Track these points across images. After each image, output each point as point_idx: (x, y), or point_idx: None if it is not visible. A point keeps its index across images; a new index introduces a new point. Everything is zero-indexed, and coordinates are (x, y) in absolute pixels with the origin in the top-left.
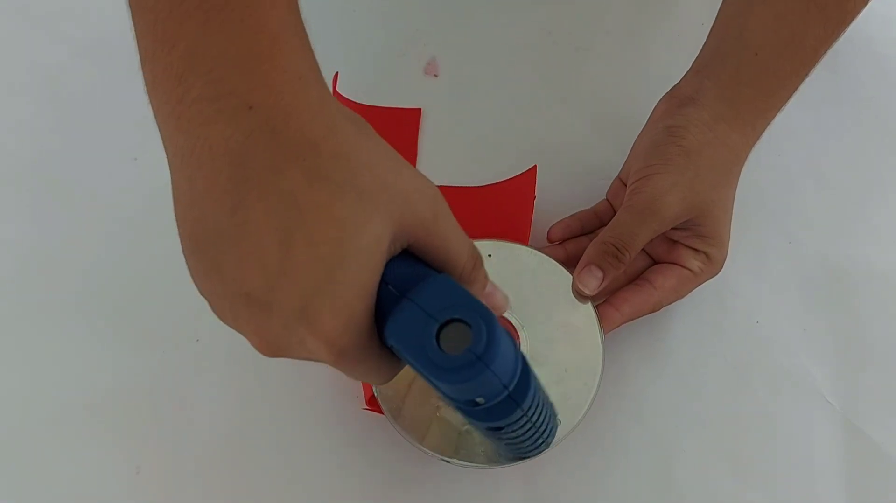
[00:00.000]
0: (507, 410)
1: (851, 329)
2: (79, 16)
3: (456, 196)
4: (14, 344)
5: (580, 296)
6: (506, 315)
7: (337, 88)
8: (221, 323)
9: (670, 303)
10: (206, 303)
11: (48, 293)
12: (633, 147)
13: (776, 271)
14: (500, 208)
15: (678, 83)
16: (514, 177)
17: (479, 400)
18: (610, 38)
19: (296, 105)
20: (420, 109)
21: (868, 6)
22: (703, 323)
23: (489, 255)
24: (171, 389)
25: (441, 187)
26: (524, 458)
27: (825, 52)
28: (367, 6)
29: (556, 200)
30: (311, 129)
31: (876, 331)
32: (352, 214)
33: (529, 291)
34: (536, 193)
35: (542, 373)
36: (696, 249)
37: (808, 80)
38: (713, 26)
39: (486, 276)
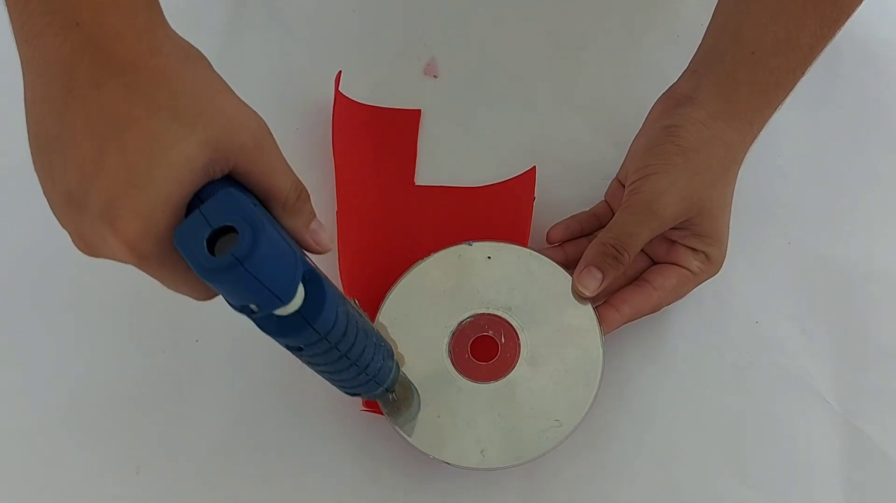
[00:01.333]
0: (298, 328)
1: (851, 329)
2: None
3: (455, 197)
4: (14, 343)
5: (580, 297)
6: (506, 317)
7: (339, 88)
8: (221, 323)
9: (670, 304)
10: (205, 303)
11: (48, 293)
12: (630, 147)
13: (776, 272)
14: (500, 209)
15: (675, 83)
16: (514, 177)
17: (253, 307)
18: (610, 38)
19: (120, 27)
20: (420, 111)
21: (865, 6)
22: (702, 323)
23: (489, 257)
24: (170, 389)
25: (441, 188)
26: (359, 396)
27: (822, 49)
28: (366, 7)
29: (556, 201)
30: (133, 50)
31: (876, 331)
32: (166, 131)
33: (529, 293)
34: (536, 194)
35: (543, 375)
36: (695, 249)
37: (806, 81)
38: (709, 25)
39: (312, 212)
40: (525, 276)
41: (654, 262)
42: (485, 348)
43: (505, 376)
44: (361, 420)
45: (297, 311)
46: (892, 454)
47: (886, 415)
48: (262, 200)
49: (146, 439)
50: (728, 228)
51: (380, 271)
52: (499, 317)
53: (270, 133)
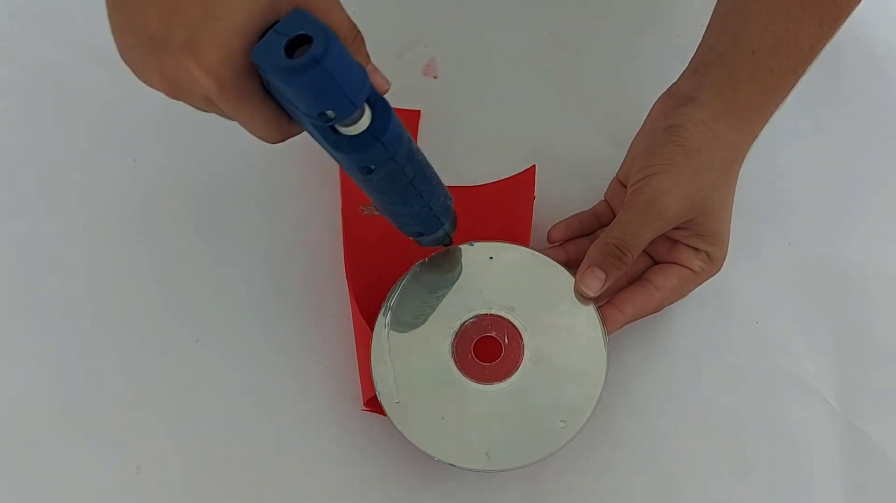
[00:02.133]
0: (368, 144)
1: (851, 329)
2: (79, 16)
3: (456, 196)
4: (13, 343)
5: (583, 297)
6: (509, 317)
7: None
8: (221, 323)
9: (672, 303)
10: (205, 303)
11: (47, 293)
12: (630, 147)
13: (776, 272)
14: (500, 208)
15: (675, 82)
16: (513, 176)
17: (329, 113)
18: (610, 38)
19: None
20: (420, 111)
21: (865, 5)
22: (703, 323)
23: (490, 258)
24: (170, 389)
25: None
26: (424, 237)
27: (822, 48)
28: (366, 7)
29: (556, 201)
30: None
31: (876, 331)
32: None
33: (531, 294)
34: (536, 194)
35: (546, 376)
36: (696, 248)
37: (807, 81)
38: (709, 25)
39: (367, 55)
40: (527, 277)
41: (656, 262)
42: (488, 349)
43: (509, 377)
44: (363, 421)
45: (367, 130)
46: (892, 454)
47: (886, 415)
48: None
49: (146, 439)
50: (729, 228)
51: (383, 271)
52: (502, 317)
53: None
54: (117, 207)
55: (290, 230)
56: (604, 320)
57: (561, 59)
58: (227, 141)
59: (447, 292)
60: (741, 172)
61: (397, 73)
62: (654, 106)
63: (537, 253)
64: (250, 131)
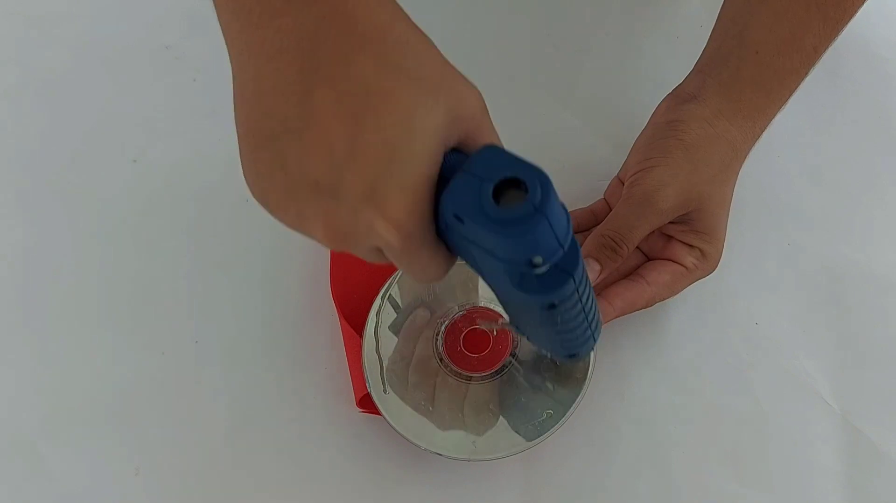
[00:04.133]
0: (560, 281)
1: (850, 329)
2: (79, 17)
3: None
4: (13, 344)
5: None
6: (498, 310)
7: None
8: (221, 324)
9: (664, 299)
10: (205, 303)
11: (47, 294)
12: (633, 145)
13: (775, 272)
14: None
15: (681, 83)
16: None
17: (537, 260)
18: (609, 39)
19: None
20: None
21: (867, 7)
22: (702, 324)
23: None
24: (169, 390)
25: None
26: (573, 357)
27: (825, 50)
28: None
29: None
30: (378, 15)
31: (875, 331)
32: (418, 100)
33: None
34: None
35: (535, 366)
36: (690, 245)
37: (807, 82)
38: (715, 26)
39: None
40: None
41: (650, 259)
42: (477, 341)
43: (497, 368)
44: (362, 421)
45: (556, 265)
46: (892, 454)
47: (886, 415)
48: None
49: (145, 440)
50: (726, 227)
51: (373, 266)
52: (490, 309)
53: (486, 107)
54: (117, 208)
55: (289, 230)
56: None
57: (561, 59)
58: (227, 141)
59: (438, 285)
60: (741, 172)
61: None
62: (658, 105)
63: None
64: (414, 275)
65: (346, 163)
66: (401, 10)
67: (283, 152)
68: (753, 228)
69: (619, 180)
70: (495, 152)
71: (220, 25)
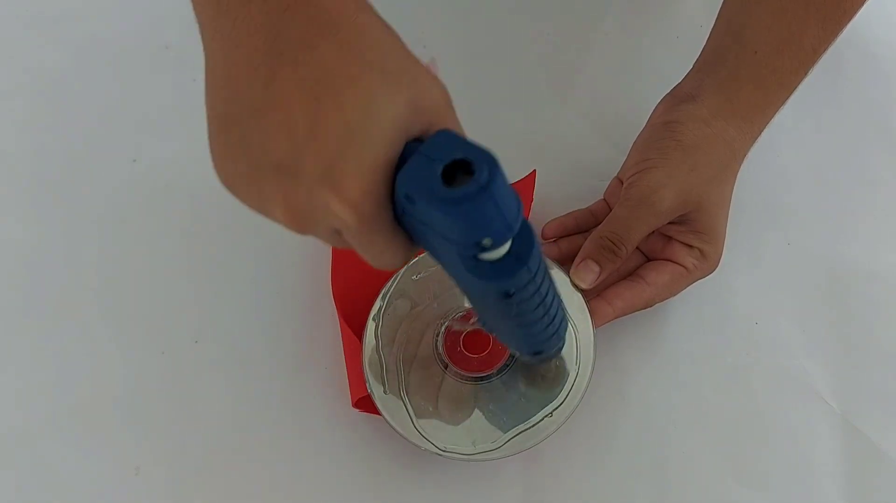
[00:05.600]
0: (513, 268)
1: (850, 329)
2: (78, 17)
3: None
4: (13, 344)
5: (575, 290)
6: None
7: None
8: (220, 324)
9: (663, 300)
10: (205, 303)
11: (47, 294)
12: (632, 146)
13: (775, 272)
14: None
15: (679, 83)
16: (515, 182)
17: (486, 241)
18: (609, 38)
19: None
20: None
21: (867, 8)
22: (702, 324)
23: None
24: (169, 390)
25: None
26: (541, 355)
27: (824, 50)
28: None
29: (555, 200)
30: (344, 5)
31: (875, 331)
32: (379, 88)
33: None
34: (535, 193)
35: (533, 368)
36: (690, 245)
37: (806, 82)
38: (713, 27)
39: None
40: None
41: (649, 260)
42: (477, 341)
43: (497, 368)
44: (361, 420)
45: (509, 252)
46: (892, 454)
47: (886, 415)
48: None
49: (145, 440)
50: (725, 227)
51: (373, 268)
52: None
53: (451, 100)
54: (117, 207)
55: (289, 230)
56: (593, 313)
57: (561, 59)
58: None
59: (439, 287)
60: (741, 172)
61: None
62: (657, 105)
63: None
64: (372, 260)
65: (305, 143)
66: (368, 2)
67: (247, 134)
68: (753, 229)
69: (619, 180)
70: (449, 136)
71: (195, 12)
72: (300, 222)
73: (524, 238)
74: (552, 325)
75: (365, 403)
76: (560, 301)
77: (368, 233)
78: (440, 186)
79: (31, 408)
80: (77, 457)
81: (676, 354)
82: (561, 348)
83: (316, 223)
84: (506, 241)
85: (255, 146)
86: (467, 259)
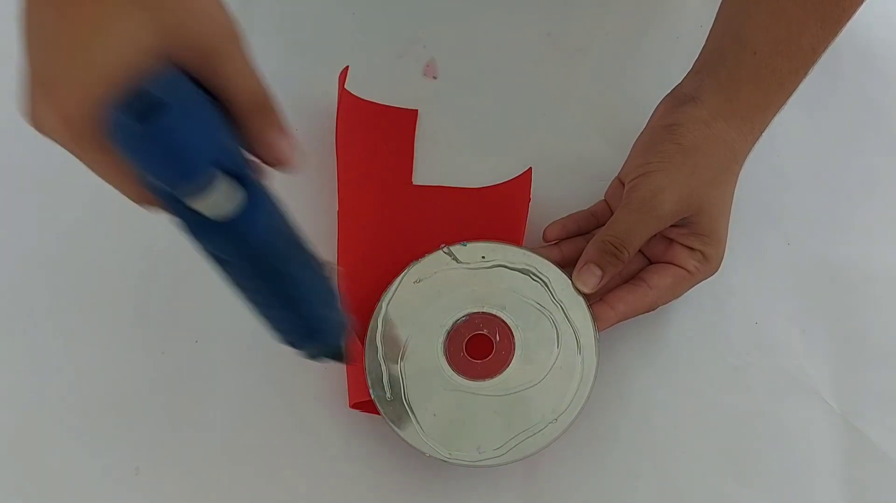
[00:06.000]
0: (220, 228)
1: (850, 329)
2: None
3: (452, 197)
4: (13, 344)
5: (578, 294)
6: (500, 315)
7: (345, 85)
8: (220, 324)
9: (666, 303)
10: (205, 303)
11: (47, 293)
12: (632, 147)
13: (775, 272)
14: (496, 210)
15: (679, 84)
16: (511, 180)
17: (164, 179)
18: (609, 39)
19: None
20: (416, 111)
21: (866, 8)
22: (701, 324)
23: (483, 257)
24: (169, 390)
25: (437, 187)
26: (299, 351)
27: (823, 50)
28: (366, 8)
29: (554, 201)
30: None
31: (875, 331)
32: (114, 9)
33: (523, 292)
34: (534, 194)
35: (538, 372)
36: (692, 248)
37: (806, 82)
38: (712, 27)
39: (274, 122)
40: (519, 275)
41: (651, 263)
42: (480, 346)
43: (500, 374)
44: (359, 419)
45: (226, 215)
46: (892, 454)
47: (886, 415)
48: (224, 105)
49: (145, 440)
50: (727, 229)
51: (377, 271)
52: (493, 315)
53: (239, 37)
54: (116, 206)
55: None
56: (595, 317)
57: (560, 60)
58: None
59: (440, 291)
60: (741, 173)
61: (397, 74)
62: (657, 107)
63: (529, 251)
64: (104, 178)
65: (46, 53)
66: None
67: (28, 51)
68: (753, 229)
69: (620, 181)
70: (174, 78)
71: None
72: (39, 126)
73: (256, 205)
74: (300, 319)
75: (363, 404)
76: (332, 297)
77: (86, 151)
78: (126, 117)
79: (31, 408)
80: (77, 457)
81: (676, 354)
82: (335, 354)
83: (46, 131)
84: (182, 185)
85: (29, 59)
86: (178, 207)
